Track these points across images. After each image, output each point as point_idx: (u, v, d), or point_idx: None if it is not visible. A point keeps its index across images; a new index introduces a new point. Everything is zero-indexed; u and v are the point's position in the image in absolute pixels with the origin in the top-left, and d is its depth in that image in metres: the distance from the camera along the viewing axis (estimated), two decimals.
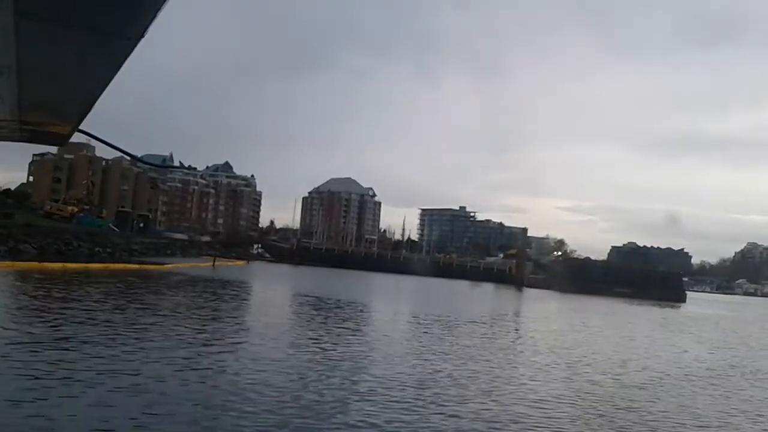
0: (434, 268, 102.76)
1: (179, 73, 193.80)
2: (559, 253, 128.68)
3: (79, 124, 3.21)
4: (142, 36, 1.98)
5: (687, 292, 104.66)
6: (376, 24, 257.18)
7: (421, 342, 22.07)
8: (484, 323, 32.45)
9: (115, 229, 79.00)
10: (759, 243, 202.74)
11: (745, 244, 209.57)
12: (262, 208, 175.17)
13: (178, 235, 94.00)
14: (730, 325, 48.61)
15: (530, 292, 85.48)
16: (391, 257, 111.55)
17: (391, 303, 41.45)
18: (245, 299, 35.52)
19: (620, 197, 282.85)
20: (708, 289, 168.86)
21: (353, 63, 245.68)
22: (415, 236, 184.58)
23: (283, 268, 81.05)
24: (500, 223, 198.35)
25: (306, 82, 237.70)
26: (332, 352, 17.51)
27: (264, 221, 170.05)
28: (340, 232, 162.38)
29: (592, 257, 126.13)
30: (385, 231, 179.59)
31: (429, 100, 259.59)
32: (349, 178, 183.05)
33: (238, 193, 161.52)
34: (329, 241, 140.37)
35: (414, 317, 32.15)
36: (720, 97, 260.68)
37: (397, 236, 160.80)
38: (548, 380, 16.01)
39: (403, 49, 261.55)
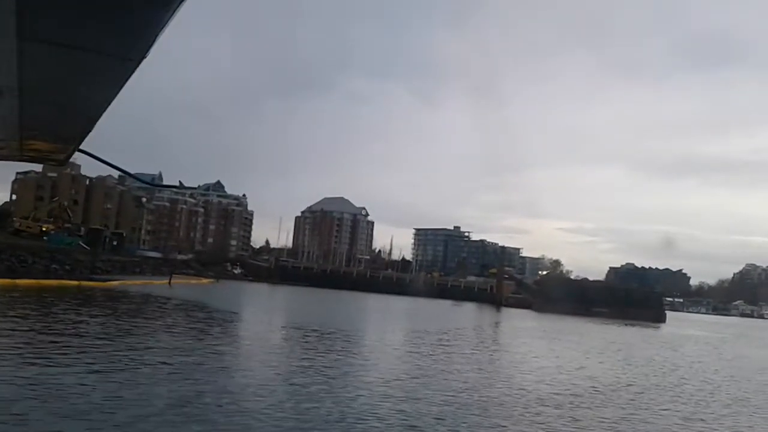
0: (416, 288, 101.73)
1: (175, 93, 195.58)
2: (545, 272, 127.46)
3: (79, 145, 3.20)
4: (144, 57, 1.96)
5: (676, 313, 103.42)
6: (375, 48, 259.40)
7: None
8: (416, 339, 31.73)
9: (86, 247, 78.77)
10: (758, 264, 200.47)
11: (743, 266, 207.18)
12: (257, 227, 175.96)
13: (152, 254, 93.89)
14: (683, 345, 47.49)
15: (507, 312, 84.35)
16: (371, 276, 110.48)
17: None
18: (145, 317, 32.26)
19: (621, 219, 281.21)
20: (703, 311, 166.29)
21: (351, 86, 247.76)
22: (409, 256, 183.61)
23: (253, 287, 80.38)
24: (483, 242, 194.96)
25: (304, 104, 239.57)
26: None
27: (260, 241, 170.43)
28: (331, 251, 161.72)
29: (591, 278, 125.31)
30: (379, 251, 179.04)
31: (427, 122, 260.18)
32: (341, 198, 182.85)
33: (228, 213, 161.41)
34: (319, 261, 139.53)
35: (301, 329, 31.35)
36: (719, 120, 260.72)
37: (388, 256, 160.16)
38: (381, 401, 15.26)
39: (402, 73, 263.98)
